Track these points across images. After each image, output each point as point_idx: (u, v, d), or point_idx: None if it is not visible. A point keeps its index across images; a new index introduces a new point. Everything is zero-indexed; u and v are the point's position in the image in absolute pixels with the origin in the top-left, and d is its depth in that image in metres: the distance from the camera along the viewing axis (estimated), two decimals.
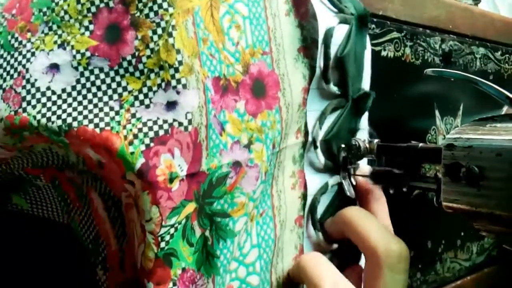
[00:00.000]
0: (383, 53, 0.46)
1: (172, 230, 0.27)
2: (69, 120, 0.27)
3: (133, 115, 0.27)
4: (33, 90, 0.27)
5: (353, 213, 0.35)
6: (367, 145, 0.39)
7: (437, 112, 0.53)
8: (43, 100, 0.27)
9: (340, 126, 0.39)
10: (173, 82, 0.27)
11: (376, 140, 0.39)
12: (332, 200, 0.39)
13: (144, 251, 0.28)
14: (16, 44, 0.28)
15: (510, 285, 0.70)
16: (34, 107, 0.27)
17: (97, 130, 0.26)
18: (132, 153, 0.26)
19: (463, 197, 0.30)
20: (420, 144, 0.35)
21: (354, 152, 0.39)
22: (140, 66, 0.27)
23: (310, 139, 0.37)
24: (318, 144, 0.37)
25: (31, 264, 0.37)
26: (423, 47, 0.50)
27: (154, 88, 0.27)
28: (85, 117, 0.27)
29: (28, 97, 0.27)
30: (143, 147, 0.26)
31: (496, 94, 0.32)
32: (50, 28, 0.28)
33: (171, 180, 0.27)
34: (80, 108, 0.27)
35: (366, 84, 0.41)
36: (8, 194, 0.34)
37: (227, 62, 0.31)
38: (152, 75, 0.27)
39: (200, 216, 0.29)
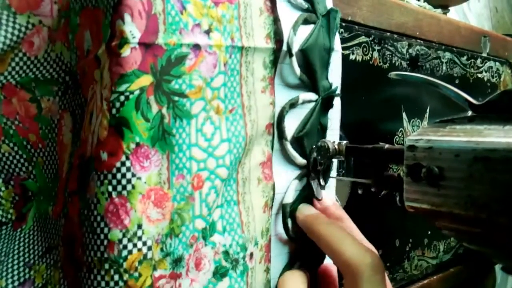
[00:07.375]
0: (352, 57, 0.47)
1: (122, 98, 0.28)
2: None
3: None
4: None
5: (323, 227, 0.35)
6: (336, 147, 0.40)
7: (404, 115, 0.55)
8: None
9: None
10: None
11: (344, 142, 0.40)
12: (306, 119, 0.40)
13: (101, 121, 0.29)
14: None
15: (475, 284, 0.72)
16: None
17: (91, 7, 0.30)
18: (106, 24, 0.29)
19: (424, 197, 0.31)
20: (386, 146, 0.36)
21: (323, 153, 0.40)
22: None
23: (284, 47, 0.37)
24: (293, 52, 0.37)
25: None
26: (391, 51, 0.52)
27: None
28: None
29: None
30: (110, 18, 0.28)
31: (456, 97, 0.33)
32: None
33: (120, 46, 0.28)
34: None
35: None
36: None
37: None
38: None
39: (157, 92, 0.29)
